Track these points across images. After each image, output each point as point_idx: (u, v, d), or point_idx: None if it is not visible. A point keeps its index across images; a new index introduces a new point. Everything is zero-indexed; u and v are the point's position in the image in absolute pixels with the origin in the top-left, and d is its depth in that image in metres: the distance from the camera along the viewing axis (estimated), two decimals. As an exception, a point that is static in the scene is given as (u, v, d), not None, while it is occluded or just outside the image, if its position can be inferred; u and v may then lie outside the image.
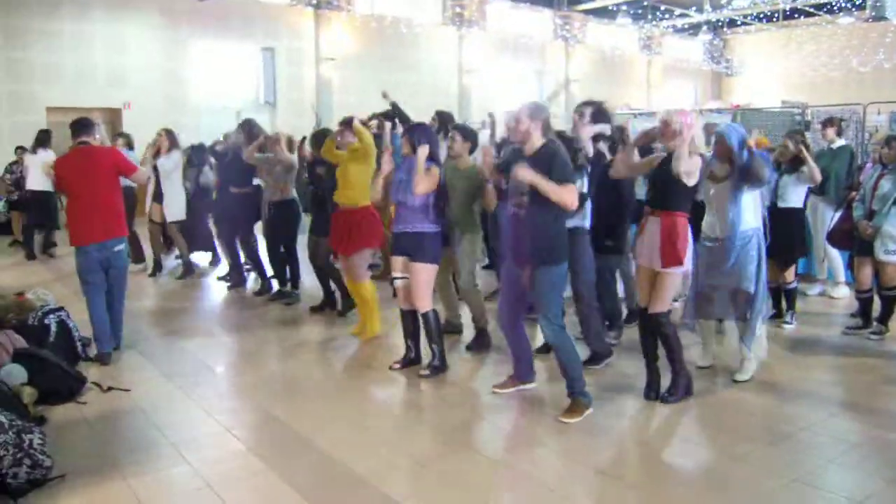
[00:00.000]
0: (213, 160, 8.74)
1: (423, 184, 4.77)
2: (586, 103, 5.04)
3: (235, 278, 7.99)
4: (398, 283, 5.06)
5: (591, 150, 4.92)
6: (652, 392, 4.47)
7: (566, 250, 4.20)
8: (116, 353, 5.48)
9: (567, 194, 3.95)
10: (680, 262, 4.18)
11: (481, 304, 5.58)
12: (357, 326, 6.00)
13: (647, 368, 4.52)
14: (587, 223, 4.95)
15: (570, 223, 4.77)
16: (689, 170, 4.13)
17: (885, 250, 5.59)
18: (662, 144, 4.31)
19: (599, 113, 4.96)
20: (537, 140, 4.09)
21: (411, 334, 5.15)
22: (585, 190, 4.84)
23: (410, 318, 5.11)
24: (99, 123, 6.43)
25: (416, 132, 4.97)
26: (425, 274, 4.91)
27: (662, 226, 4.22)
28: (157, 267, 8.72)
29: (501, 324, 4.56)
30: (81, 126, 5.45)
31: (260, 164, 7.19)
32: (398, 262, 5.01)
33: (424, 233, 4.89)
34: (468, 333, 5.75)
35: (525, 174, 3.91)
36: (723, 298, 4.64)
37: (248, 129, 7.36)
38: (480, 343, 5.52)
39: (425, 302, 4.94)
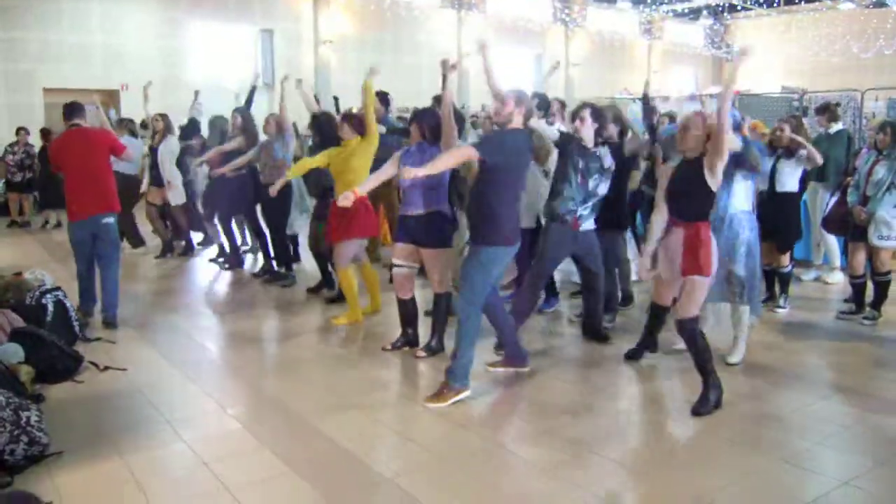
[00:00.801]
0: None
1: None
2: (583, 105, 5.07)
3: (233, 260, 8.00)
4: (396, 271, 5.00)
5: (591, 143, 4.96)
6: (635, 353, 4.81)
7: (504, 236, 4.16)
8: (113, 332, 5.55)
9: (452, 156, 4.17)
10: (701, 272, 4.01)
11: None
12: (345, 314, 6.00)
13: (642, 335, 4.84)
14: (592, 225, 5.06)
15: (584, 227, 4.95)
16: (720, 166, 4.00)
17: (878, 236, 5.61)
18: (680, 152, 4.24)
19: (597, 113, 5.00)
20: (516, 125, 4.22)
21: (409, 320, 5.14)
22: (608, 165, 4.95)
23: (407, 305, 5.10)
24: (98, 106, 6.60)
25: (425, 117, 4.88)
26: (440, 258, 4.86)
27: (685, 236, 4.08)
28: (168, 248, 8.69)
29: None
30: (73, 109, 5.75)
31: (254, 158, 7.18)
32: (400, 248, 4.94)
33: (433, 213, 4.79)
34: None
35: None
36: (718, 281, 4.63)
37: (245, 121, 7.44)
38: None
39: (442, 284, 4.93)
